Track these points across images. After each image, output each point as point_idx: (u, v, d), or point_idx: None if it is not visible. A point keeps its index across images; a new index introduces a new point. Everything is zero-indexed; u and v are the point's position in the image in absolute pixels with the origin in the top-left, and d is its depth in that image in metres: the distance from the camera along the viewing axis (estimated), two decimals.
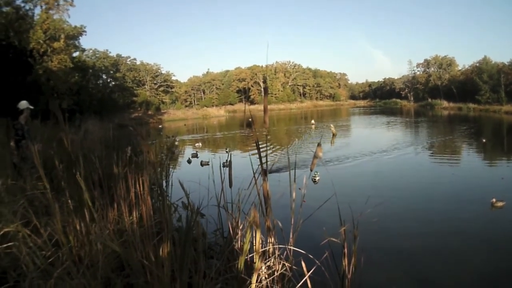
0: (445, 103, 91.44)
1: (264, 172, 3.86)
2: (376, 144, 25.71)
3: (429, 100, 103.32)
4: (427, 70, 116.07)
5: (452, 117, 59.03)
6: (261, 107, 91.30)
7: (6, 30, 42.13)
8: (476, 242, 8.96)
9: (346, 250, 3.91)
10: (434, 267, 7.63)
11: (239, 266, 3.74)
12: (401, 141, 26.60)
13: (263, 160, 4.00)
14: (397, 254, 8.18)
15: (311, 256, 4.11)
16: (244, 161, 17.94)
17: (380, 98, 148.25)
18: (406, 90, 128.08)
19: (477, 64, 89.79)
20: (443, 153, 22.12)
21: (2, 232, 4.30)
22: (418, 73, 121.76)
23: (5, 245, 4.34)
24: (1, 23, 41.53)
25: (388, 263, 7.60)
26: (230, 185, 4.75)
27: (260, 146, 4.01)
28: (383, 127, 44.69)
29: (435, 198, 12.36)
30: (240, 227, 4.79)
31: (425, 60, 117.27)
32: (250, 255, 4.09)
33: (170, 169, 7.50)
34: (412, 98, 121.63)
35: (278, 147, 27.13)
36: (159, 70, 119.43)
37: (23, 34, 46.85)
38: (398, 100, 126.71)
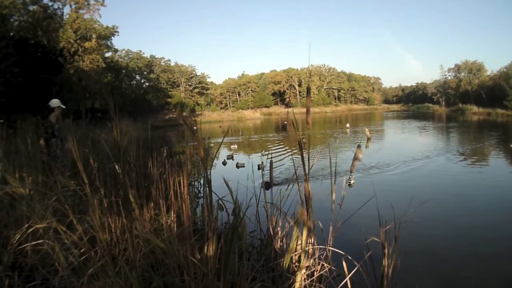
0: (475, 108, 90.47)
1: (306, 174, 3.80)
2: (408, 150, 25.15)
3: (460, 105, 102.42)
4: (458, 75, 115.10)
5: (482, 123, 58.24)
6: (296, 110, 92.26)
7: (34, 29, 42.30)
8: None
9: (386, 251, 3.84)
10: (469, 274, 7.49)
11: (284, 265, 3.69)
12: (433, 147, 26.07)
13: (305, 161, 3.94)
14: (432, 259, 8.05)
15: (350, 257, 4.05)
16: (279, 163, 17.67)
17: (413, 102, 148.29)
18: (438, 95, 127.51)
19: (505, 70, 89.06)
20: (476, 160, 21.66)
21: (33, 229, 4.28)
22: (449, 78, 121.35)
23: (34, 242, 4.34)
24: (29, 21, 41.64)
25: (421, 266, 7.49)
26: (271, 186, 4.73)
27: (302, 148, 3.94)
28: (415, 132, 44.17)
29: (471, 205, 12.09)
30: (279, 227, 4.76)
31: (456, 65, 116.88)
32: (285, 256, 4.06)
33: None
34: (443, 103, 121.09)
35: (315, 150, 26.84)
36: (194, 72, 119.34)
37: (52, 33, 46.75)
38: (430, 105, 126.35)
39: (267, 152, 25.43)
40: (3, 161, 5.00)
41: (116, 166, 4.79)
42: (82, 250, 3.87)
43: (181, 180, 3.80)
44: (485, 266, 7.64)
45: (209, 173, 3.27)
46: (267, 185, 9.65)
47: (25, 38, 38.98)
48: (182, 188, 3.71)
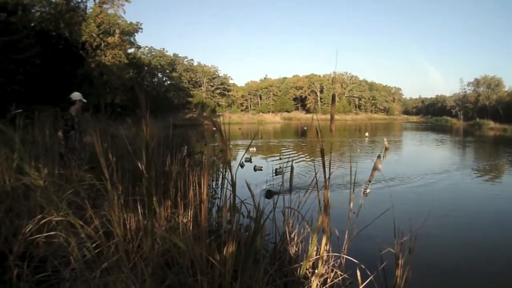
0: (491, 124, 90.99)
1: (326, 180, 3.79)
2: (425, 163, 25.26)
3: (477, 119, 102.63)
4: (477, 89, 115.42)
5: (498, 139, 57.81)
6: (316, 116, 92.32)
7: (56, 21, 42.43)
8: None
9: (400, 262, 3.84)
10: None
11: (301, 271, 3.68)
12: (450, 161, 25.84)
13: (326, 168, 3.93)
14: (444, 274, 8.01)
15: (363, 267, 4.05)
16: (297, 170, 17.53)
17: (432, 114, 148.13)
18: (457, 108, 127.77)
19: None
20: (493, 177, 21.46)
21: (46, 219, 4.28)
22: (468, 92, 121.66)
23: (47, 234, 4.37)
24: (51, 13, 41.70)
25: (432, 280, 7.46)
26: (290, 191, 4.73)
27: (324, 155, 3.94)
28: (432, 145, 44.09)
29: (487, 223, 12.01)
30: (296, 232, 4.77)
31: (475, 80, 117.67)
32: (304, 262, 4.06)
33: (223, 171, 7.50)
34: (461, 117, 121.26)
35: (333, 157, 26.09)
36: (217, 73, 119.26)
37: (75, 26, 46.82)
38: (449, 118, 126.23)
39: (285, 157, 25.24)
40: (19, 150, 4.99)
41: (139, 163, 4.80)
42: (95, 244, 3.87)
43: (202, 179, 3.79)
44: (498, 285, 7.62)
45: (234, 175, 3.26)
46: (269, 194, 9.61)
47: (46, 30, 39.15)
48: (202, 188, 3.70)
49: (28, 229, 4.48)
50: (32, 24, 37.23)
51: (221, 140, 3.05)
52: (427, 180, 18.15)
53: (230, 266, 3.35)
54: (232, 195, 3.41)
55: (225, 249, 3.44)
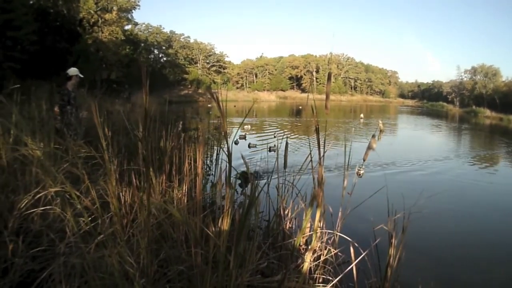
0: (488, 112, 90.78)
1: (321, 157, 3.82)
2: (419, 147, 25.62)
3: (473, 107, 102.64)
4: (474, 77, 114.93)
5: (494, 127, 57.68)
6: (312, 96, 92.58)
7: None
8: None
9: (393, 240, 3.87)
10: (469, 276, 7.50)
11: (296, 244, 3.72)
12: (446, 148, 25.87)
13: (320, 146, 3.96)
14: (436, 256, 8.06)
15: (356, 245, 4.11)
16: (291, 147, 17.39)
17: (428, 99, 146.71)
18: (453, 95, 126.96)
19: None
20: (488, 166, 21.42)
21: (45, 192, 4.29)
22: (465, 79, 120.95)
23: (43, 208, 4.36)
24: None
25: (424, 260, 7.51)
26: (285, 167, 4.77)
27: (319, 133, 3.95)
28: (427, 129, 44.19)
29: (482, 210, 12.03)
30: (289, 209, 4.82)
31: (472, 68, 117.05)
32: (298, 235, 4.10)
33: (217, 148, 7.52)
34: (457, 103, 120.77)
35: (327, 137, 26.49)
36: (213, 50, 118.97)
37: (73, 3, 47.01)
38: (445, 104, 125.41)
39: (280, 135, 25.38)
40: (19, 122, 5.00)
41: (138, 135, 4.82)
42: (91, 217, 3.88)
43: (197, 154, 3.81)
44: (485, 270, 7.68)
45: (231, 146, 3.29)
46: (244, 178, 8.86)
47: (44, 7, 39.13)
48: (197, 162, 3.72)
49: (23, 204, 4.44)
50: (31, 2, 37.10)
51: (218, 110, 3.08)
52: (422, 166, 18.17)
53: (225, 238, 3.38)
54: (228, 166, 3.44)
55: (219, 220, 3.47)
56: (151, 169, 4.46)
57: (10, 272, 3.96)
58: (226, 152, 3.36)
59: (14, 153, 5.38)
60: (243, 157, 3.90)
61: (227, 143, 3.38)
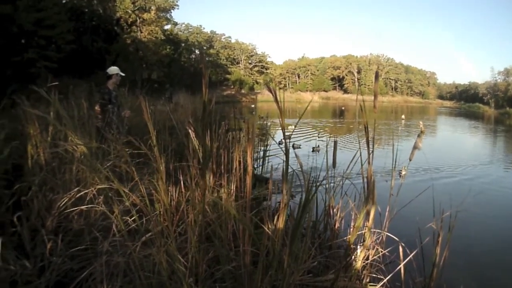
0: None
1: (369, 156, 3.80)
2: (460, 150, 25.19)
3: (507, 108, 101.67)
4: (507, 78, 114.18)
5: None
6: (354, 97, 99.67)
7: None
8: None
9: (440, 239, 3.85)
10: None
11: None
12: (486, 151, 25.69)
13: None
14: (475, 257, 7.97)
15: (403, 245, 4.10)
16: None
17: (465, 101, 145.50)
18: (488, 96, 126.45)
19: None
20: None
21: (93, 189, 4.25)
22: (499, 80, 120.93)
23: (86, 206, 4.29)
24: None
25: (463, 261, 7.44)
26: (334, 166, 4.79)
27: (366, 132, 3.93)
28: (466, 131, 44.48)
29: None
30: (337, 207, 4.81)
31: (505, 69, 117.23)
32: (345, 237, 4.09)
33: (262, 148, 7.51)
34: (493, 105, 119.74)
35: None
36: (254, 50, 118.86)
37: (108, 2, 47.48)
38: (481, 105, 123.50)
39: (324, 135, 25.35)
40: (63, 117, 5.00)
41: (190, 131, 4.79)
42: (133, 217, 3.86)
43: (247, 151, 3.79)
44: None
45: (288, 141, 3.27)
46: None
47: (79, 6, 39.48)
48: (247, 160, 3.70)
49: (63, 203, 4.44)
50: (64, 1, 37.37)
51: (277, 106, 3.08)
52: (463, 170, 17.88)
53: (280, 236, 3.36)
54: (285, 163, 3.41)
55: (276, 217, 3.46)
56: (196, 168, 4.46)
57: (47, 271, 3.96)
58: (284, 150, 3.35)
59: (58, 149, 5.40)
60: (297, 156, 3.85)
61: (284, 141, 3.36)
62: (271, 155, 7.69)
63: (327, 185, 5.07)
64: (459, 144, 31.18)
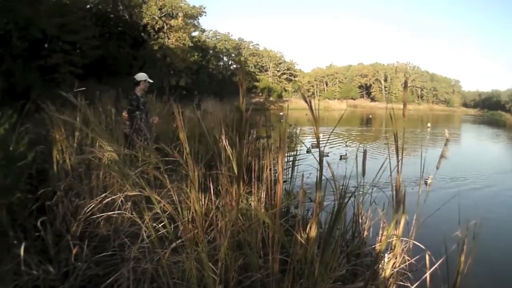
0: None
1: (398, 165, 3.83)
2: (484, 158, 24.85)
3: None
4: None
5: None
6: (381, 105, 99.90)
7: (114, 3, 43.03)
8: None
9: (466, 246, 3.87)
10: None
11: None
12: (505, 160, 25.57)
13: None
14: (497, 266, 7.96)
15: (428, 253, 4.10)
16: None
17: (488, 108, 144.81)
18: (510, 104, 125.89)
19: None
20: None
21: (125, 194, 4.28)
22: None
23: (116, 212, 4.34)
24: None
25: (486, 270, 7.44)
26: (363, 174, 4.79)
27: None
28: (489, 139, 44.31)
29: None
30: (365, 215, 4.84)
31: None
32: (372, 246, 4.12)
33: (293, 155, 7.52)
34: None
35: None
36: (282, 58, 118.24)
37: (134, 8, 48.02)
38: (503, 113, 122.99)
39: (352, 143, 25.62)
40: (92, 122, 5.04)
41: (222, 138, 4.82)
42: (162, 223, 3.88)
43: (278, 161, 3.81)
44: None
45: (323, 150, 3.31)
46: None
47: (104, 12, 39.68)
48: (278, 169, 3.72)
49: (89, 208, 4.46)
50: (88, 6, 37.60)
51: (311, 115, 3.12)
52: (486, 178, 17.74)
53: (312, 244, 3.39)
54: (319, 172, 3.44)
55: (308, 226, 3.49)
56: (229, 176, 4.50)
57: (71, 276, 3.99)
58: (317, 159, 3.38)
59: (87, 155, 5.44)
60: (329, 165, 3.89)
61: (319, 149, 3.40)
62: (300, 164, 7.67)
63: (356, 193, 5.09)
64: (483, 152, 31.10)
